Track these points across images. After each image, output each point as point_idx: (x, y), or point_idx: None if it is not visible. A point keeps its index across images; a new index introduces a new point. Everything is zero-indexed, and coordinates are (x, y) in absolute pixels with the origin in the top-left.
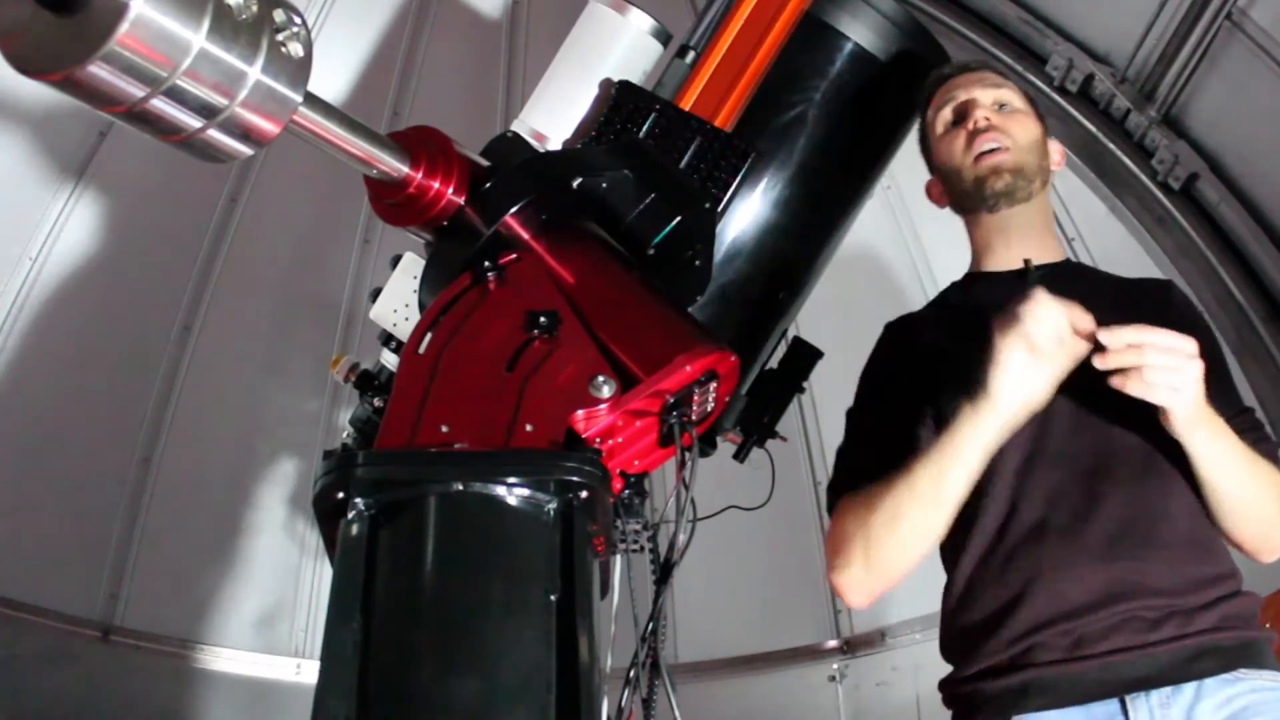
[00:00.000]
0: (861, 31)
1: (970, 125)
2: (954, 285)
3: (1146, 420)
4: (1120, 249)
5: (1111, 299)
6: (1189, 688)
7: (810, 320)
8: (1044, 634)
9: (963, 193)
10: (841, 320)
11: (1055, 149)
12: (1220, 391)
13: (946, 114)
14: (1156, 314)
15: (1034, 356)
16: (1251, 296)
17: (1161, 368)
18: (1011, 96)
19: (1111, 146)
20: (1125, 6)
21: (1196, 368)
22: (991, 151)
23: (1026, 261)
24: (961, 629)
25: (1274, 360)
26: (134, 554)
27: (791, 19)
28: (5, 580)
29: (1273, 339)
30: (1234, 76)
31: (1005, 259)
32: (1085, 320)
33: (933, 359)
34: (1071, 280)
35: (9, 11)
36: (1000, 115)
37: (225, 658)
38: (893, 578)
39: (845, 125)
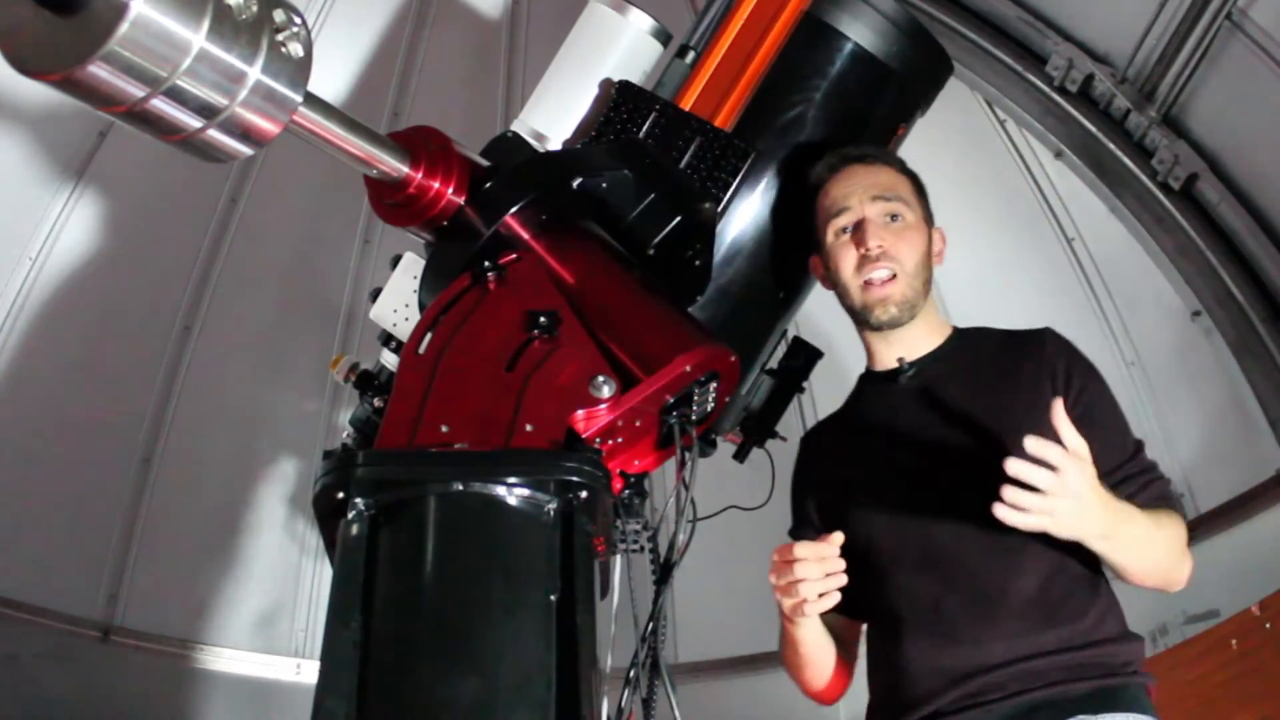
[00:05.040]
0: (861, 31)
1: (862, 250)
2: (857, 381)
3: (983, 505)
4: (1120, 249)
5: (991, 360)
6: None
7: (810, 320)
8: (915, 712)
9: (849, 308)
10: (841, 320)
11: (937, 241)
12: (1106, 436)
13: (840, 223)
14: (1034, 363)
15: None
16: (1251, 296)
17: (1040, 499)
18: (902, 208)
19: (1111, 146)
20: (1125, 7)
21: (1063, 500)
22: (881, 282)
23: (900, 360)
24: (868, 705)
25: (1274, 360)
26: (134, 554)
27: (791, 19)
28: (5, 580)
29: (1273, 339)
30: (1234, 76)
31: (887, 359)
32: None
33: (821, 483)
34: (947, 359)
35: (9, 11)
36: (892, 233)
37: (225, 658)
38: (834, 691)
39: (845, 125)
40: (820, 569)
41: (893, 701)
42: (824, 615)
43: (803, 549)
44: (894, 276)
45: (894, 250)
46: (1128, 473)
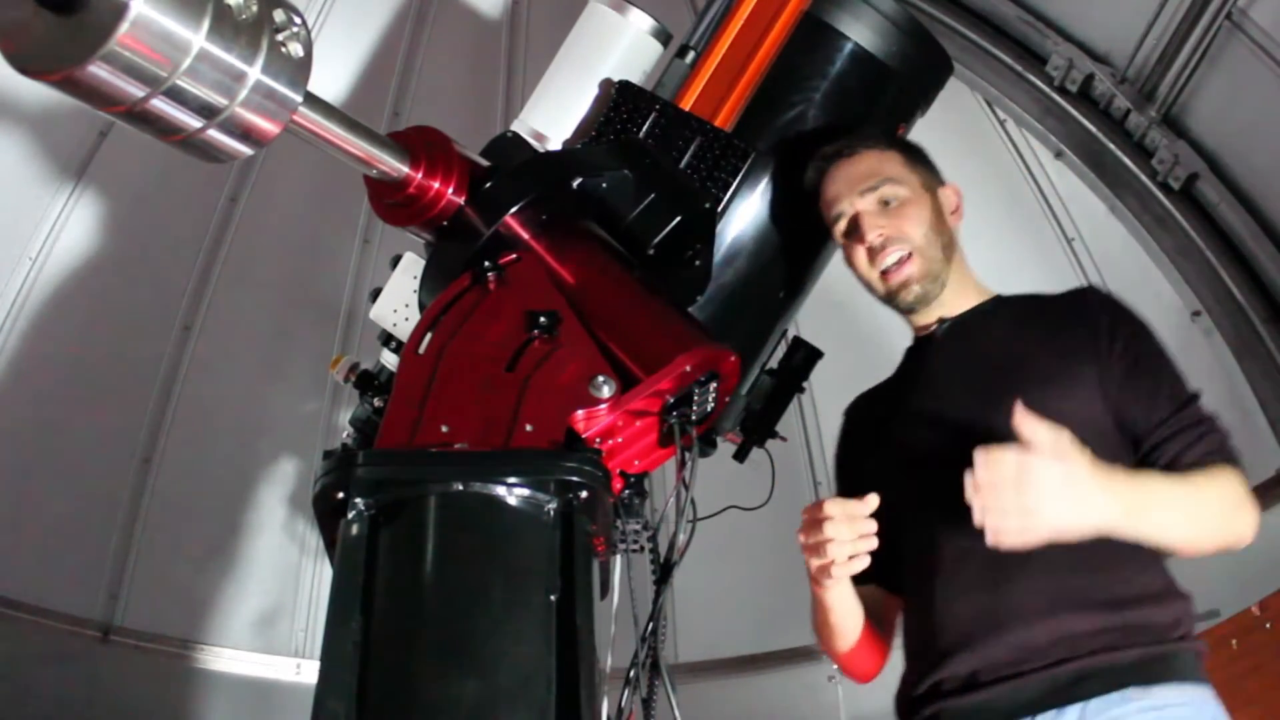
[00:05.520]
0: (861, 31)
1: (866, 244)
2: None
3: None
4: (1120, 249)
5: (1030, 313)
6: (1072, 711)
7: (810, 320)
8: (948, 667)
9: (879, 299)
10: (841, 320)
11: (950, 199)
12: (1153, 387)
13: (840, 228)
14: (1073, 316)
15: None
16: (1251, 296)
17: (997, 520)
18: (892, 188)
19: (1111, 146)
20: (1125, 6)
21: (1021, 505)
22: (897, 265)
23: (941, 320)
24: (906, 661)
25: (1274, 360)
26: (134, 554)
27: (791, 19)
28: (5, 580)
29: (1273, 339)
30: (1234, 77)
31: (927, 322)
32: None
33: (860, 447)
34: (984, 315)
35: (9, 11)
36: (889, 215)
37: (225, 658)
38: (871, 665)
39: (845, 125)
40: (851, 530)
41: (924, 655)
42: (862, 589)
43: (832, 506)
44: (909, 255)
45: (896, 231)
46: (1178, 426)
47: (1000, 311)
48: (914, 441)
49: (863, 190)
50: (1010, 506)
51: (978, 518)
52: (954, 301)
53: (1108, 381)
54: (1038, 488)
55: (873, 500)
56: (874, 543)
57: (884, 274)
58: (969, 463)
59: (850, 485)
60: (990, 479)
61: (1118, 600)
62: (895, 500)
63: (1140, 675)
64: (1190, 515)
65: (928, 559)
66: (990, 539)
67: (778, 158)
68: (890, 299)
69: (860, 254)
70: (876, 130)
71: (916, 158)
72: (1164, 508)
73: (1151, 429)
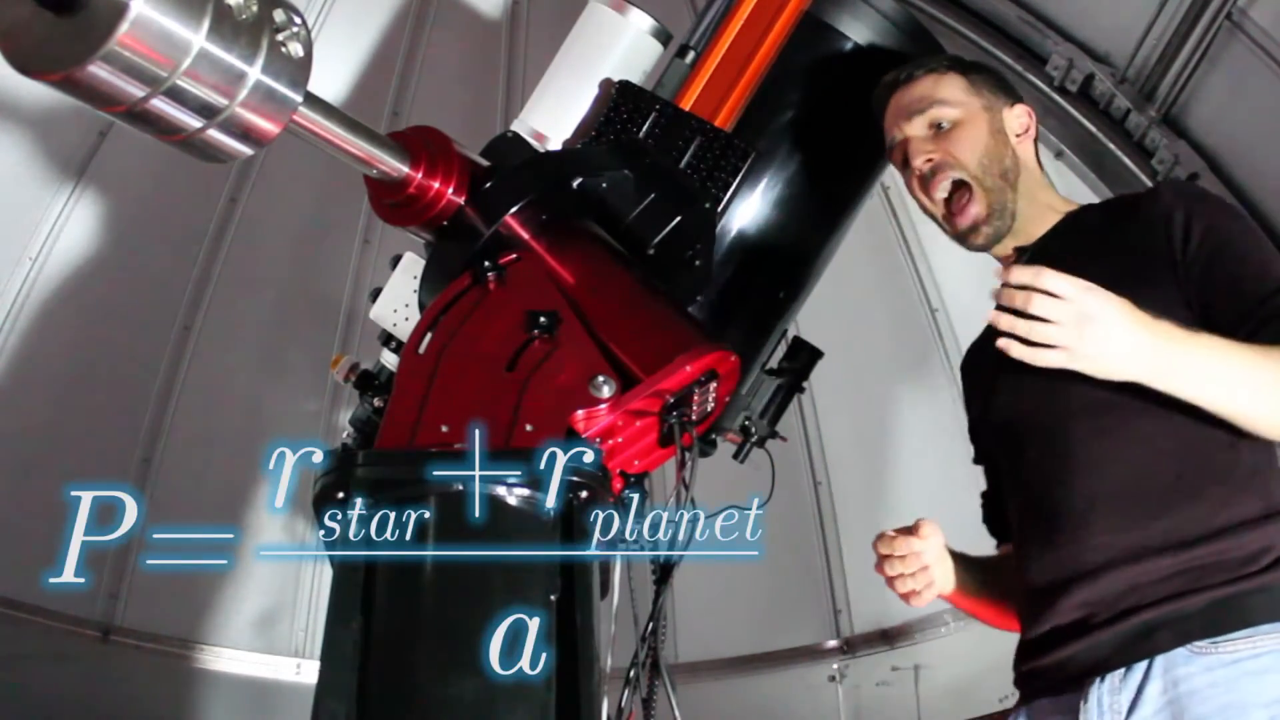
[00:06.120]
0: (861, 31)
1: (916, 172)
2: None
3: (1080, 387)
4: None
5: (1103, 227)
6: (1140, 668)
7: (810, 320)
8: (1035, 625)
9: (945, 233)
10: (841, 320)
11: (1017, 119)
12: (1237, 273)
13: (895, 157)
14: (1145, 220)
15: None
16: None
17: (1042, 327)
18: (944, 110)
19: (1111, 146)
20: (1125, 7)
21: (1081, 324)
22: (961, 207)
23: (1018, 250)
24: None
25: None
26: (134, 554)
27: (791, 19)
28: (5, 580)
29: None
30: (1234, 76)
31: (1004, 254)
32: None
33: (971, 400)
34: (1060, 236)
35: (9, 11)
36: (939, 140)
37: (225, 658)
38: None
39: (845, 125)
40: (907, 565)
41: (1024, 611)
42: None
43: (885, 545)
44: (970, 192)
45: (945, 155)
46: (1264, 315)
47: (1073, 230)
48: (1001, 393)
49: (911, 114)
50: (1030, 310)
51: (1028, 329)
52: (1028, 228)
53: (1186, 282)
54: (1057, 294)
55: (927, 529)
56: (933, 575)
57: (949, 216)
58: (1044, 413)
59: (976, 444)
60: (1008, 287)
61: (1193, 538)
62: (999, 455)
63: (1208, 625)
64: (1258, 378)
65: (1017, 514)
66: (1004, 346)
67: (778, 158)
68: (958, 241)
69: (914, 183)
70: (933, 60)
71: (981, 79)
72: (1218, 361)
73: (1236, 324)
